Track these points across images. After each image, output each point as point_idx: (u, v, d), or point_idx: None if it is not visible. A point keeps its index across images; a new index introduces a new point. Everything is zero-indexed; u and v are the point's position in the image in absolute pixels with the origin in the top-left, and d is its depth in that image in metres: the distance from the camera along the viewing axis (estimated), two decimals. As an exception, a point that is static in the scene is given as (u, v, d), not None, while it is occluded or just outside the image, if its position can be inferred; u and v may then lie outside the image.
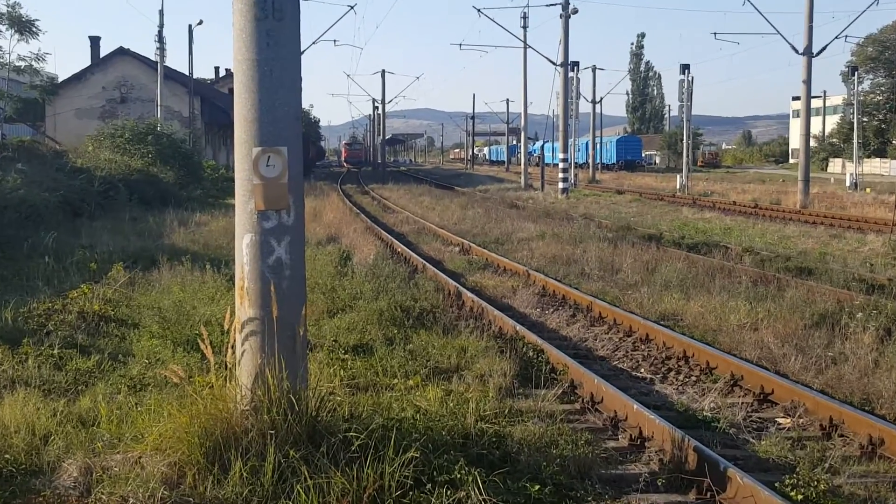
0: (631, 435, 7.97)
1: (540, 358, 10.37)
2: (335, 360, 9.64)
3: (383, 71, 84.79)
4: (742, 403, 9.16)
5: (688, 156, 54.90)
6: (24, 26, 40.79)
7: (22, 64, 42.65)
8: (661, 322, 12.82)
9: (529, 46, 54.76)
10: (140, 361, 9.51)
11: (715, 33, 45.48)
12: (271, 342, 6.53)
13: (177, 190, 36.29)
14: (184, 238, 20.99)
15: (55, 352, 9.79)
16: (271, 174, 6.60)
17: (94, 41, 64.07)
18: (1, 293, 13.00)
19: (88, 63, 61.88)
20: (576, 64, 61.08)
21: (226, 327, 6.92)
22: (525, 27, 56.00)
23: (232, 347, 6.68)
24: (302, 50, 7.14)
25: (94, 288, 13.07)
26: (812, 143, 70.76)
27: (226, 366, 6.70)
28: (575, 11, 46.75)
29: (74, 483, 6.30)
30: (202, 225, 24.39)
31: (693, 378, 10.26)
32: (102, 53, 62.46)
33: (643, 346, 11.75)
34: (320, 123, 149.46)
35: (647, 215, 33.64)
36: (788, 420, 8.67)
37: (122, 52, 60.48)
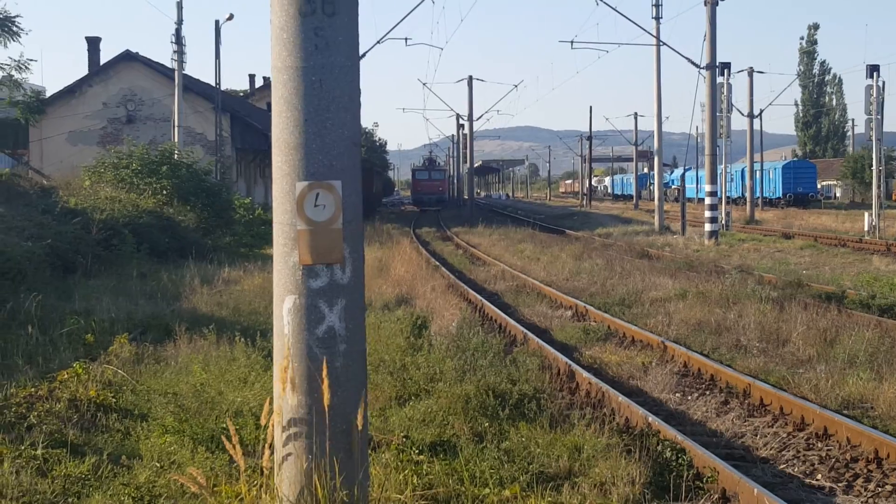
0: (806, 567, 7.83)
1: (680, 460, 10.30)
2: (406, 462, 9.61)
3: (470, 78, 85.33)
4: (960, 525, 8.95)
5: (878, 187, 54.09)
6: (0, 25, 40.97)
7: (-2, 74, 43.23)
8: (845, 412, 12.65)
9: (664, 43, 54.80)
10: (149, 465, 9.58)
11: (915, 21, 44.77)
12: (321, 439, 6.55)
13: (199, 237, 36.65)
14: (208, 301, 21.19)
15: (38, 452, 9.90)
16: (321, 217, 6.63)
17: (93, 43, 65.29)
18: (-31, 375, 13.24)
19: (85, 72, 63.03)
20: (726, 66, 60.71)
21: (262, 420, 6.94)
22: (658, 18, 56.07)
23: (269, 447, 6.70)
24: (362, 52, 7.21)
25: (90, 367, 13.23)
26: None
27: (261, 471, 6.72)
28: (724, -3, 46.65)
29: None
30: (232, 283, 24.61)
31: (888, 488, 10.09)
32: (103, 59, 63.65)
33: (820, 444, 11.61)
34: (388, 147, 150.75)
35: (824, 267, 33.23)
36: None
37: (128, 58, 61.36)
